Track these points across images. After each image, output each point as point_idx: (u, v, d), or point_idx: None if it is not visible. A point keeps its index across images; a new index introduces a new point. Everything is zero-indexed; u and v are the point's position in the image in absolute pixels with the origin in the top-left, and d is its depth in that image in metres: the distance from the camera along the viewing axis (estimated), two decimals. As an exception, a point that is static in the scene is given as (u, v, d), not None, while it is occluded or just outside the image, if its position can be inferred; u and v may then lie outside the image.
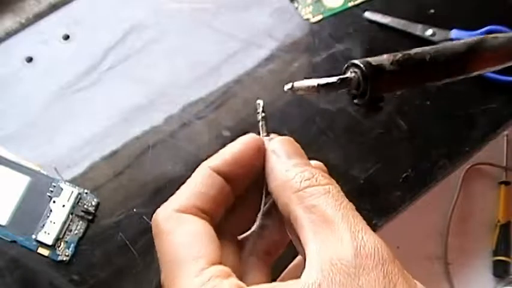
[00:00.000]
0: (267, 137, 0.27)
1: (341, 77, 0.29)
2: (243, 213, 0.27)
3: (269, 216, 0.27)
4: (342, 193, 0.24)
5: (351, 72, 0.30)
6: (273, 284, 0.22)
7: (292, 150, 0.26)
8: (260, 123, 0.28)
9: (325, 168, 0.28)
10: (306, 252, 0.22)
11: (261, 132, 0.28)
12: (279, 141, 0.27)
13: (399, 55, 0.30)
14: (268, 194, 0.26)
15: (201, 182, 0.25)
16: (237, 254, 0.26)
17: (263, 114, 0.28)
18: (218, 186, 0.25)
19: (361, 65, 0.29)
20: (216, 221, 0.25)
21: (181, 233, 0.24)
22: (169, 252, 0.23)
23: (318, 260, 0.22)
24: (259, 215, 0.27)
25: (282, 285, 0.21)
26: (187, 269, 0.22)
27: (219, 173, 0.25)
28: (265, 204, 0.27)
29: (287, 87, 0.28)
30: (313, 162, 0.28)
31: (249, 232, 0.27)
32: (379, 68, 0.29)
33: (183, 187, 0.26)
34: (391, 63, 0.29)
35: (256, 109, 0.29)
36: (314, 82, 0.28)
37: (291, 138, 0.27)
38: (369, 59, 0.30)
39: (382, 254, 0.21)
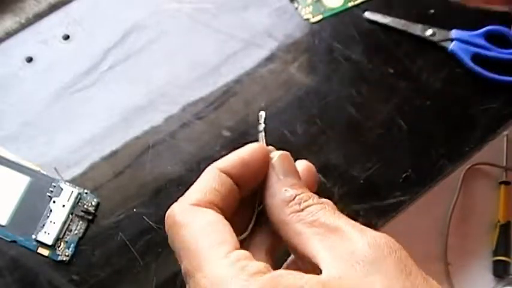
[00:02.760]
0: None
1: None
2: (243, 215, 0.28)
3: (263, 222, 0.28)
4: (335, 208, 0.25)
5: None
6: (295, 272, 0.22)
7: (290, 168, 0.27)
8: (261, 134, 0.29)
9: (314, 169, 0.29)
10: (318, 261, 0.23)
11: (262, 142, 0.29)
12: (279, 157, 0.27)
13: None
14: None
15: (213, 180, 0.26)
16: None
17: (264, 125, 0.30)
18: (228, 185, 0.26)
19: None
20: (227, 218, 0.26)
21: (201, 223, 0.24)
22: (191, 240, 0.23)
23: (334, 259, 0.22)
24: (252, 221, 0.28)
25: (305, 276, 0.22)
26: (213, 253, 0.23)
27: (227, 174, 0.26)
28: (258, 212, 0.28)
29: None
30: (303, 162, 0.29)
31: (241, 237, 0.27)
32: None
33: (194, 186, 0.26)
34: None
35: (258, 120, 0.30)
36: None
37: (288, 154, 0.28)
38: None
39: (392, 244, 0.23)
